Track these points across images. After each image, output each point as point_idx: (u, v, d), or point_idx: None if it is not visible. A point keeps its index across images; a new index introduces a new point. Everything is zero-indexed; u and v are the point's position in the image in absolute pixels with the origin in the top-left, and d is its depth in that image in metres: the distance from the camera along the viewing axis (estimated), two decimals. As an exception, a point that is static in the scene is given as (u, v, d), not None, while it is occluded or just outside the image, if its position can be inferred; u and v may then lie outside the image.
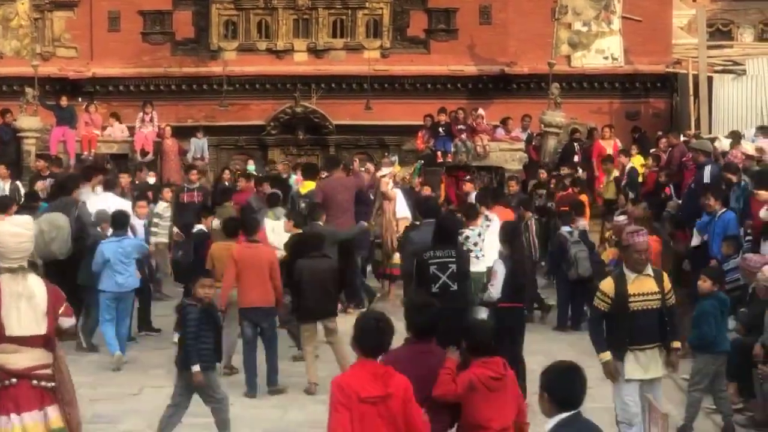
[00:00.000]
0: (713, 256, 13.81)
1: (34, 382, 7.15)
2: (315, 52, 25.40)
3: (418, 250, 11.40)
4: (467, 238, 13.17)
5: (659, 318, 9.00)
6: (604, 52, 25.20)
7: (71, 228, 14.00)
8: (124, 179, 18.83)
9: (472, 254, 12.59)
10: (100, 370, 12.96)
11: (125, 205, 15.53)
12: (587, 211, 17.87)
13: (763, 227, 13.25)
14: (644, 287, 8.95)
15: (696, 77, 23.29)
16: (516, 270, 11.30)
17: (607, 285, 9.05)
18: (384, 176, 18.07)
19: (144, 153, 23.38)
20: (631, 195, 18.64)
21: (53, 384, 7.23)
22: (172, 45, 25.60)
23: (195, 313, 9.85)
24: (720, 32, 30.31)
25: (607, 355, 8.96)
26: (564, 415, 5.63)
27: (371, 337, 6.41)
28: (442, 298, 10.62)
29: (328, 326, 12.29)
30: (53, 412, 7.25)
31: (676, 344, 9.23)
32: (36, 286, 7.23)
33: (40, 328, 7.14)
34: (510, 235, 11.63)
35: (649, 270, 9.03)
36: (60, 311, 7.29)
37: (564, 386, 5.70)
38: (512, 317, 11.21)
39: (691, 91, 23.29)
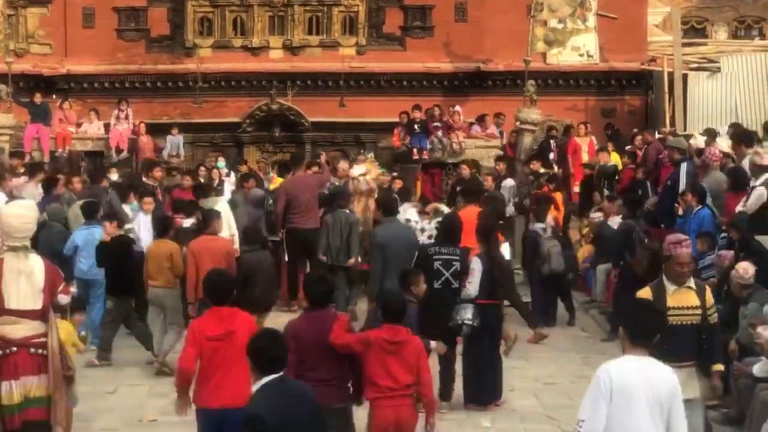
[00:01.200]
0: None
1: (32, 350, 7.88)
2: (290, 49, 25.32)
3: (418, 245, 11.84)
4: (423, 230, 14.51)
5: (696, 334, 8.35)
6: (580, 49, 25.24)
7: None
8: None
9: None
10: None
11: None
12: (561, 207, 17.89)
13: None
14: (684, 300, 8.32)
15: (671, 75, 23.34)
16: (492, 267, 11.34)
17: (645, 295, 8.26)
18: (357, 176, 18.06)
19: (119, 150, 23.26)
20: (606, 192, 18.69)
21: (46, 352, 7.90)
22: (147, 42, 25.46)
23: (413, 309, 9.98)
24: (695, 30, 30.46)
25: None
26: (268, 378, 6.04)
27: (216, 290, 8.15)
28: (442, 294, 10.82)
29: (263, 316, 12.56)
30: (43, 380, 7.93)
31: (719, 367, 8.58)
32: (36, 264, 7.99)
33: (36, 303, 7.90)
34: (486, 233, 11.66)
35: (691, 283, 8.41)
36: (59, 289, 8.12)
37: (264, 351, 6.15)
38: (490, 314, 11.24)
39: (666, 89, 23.34)
